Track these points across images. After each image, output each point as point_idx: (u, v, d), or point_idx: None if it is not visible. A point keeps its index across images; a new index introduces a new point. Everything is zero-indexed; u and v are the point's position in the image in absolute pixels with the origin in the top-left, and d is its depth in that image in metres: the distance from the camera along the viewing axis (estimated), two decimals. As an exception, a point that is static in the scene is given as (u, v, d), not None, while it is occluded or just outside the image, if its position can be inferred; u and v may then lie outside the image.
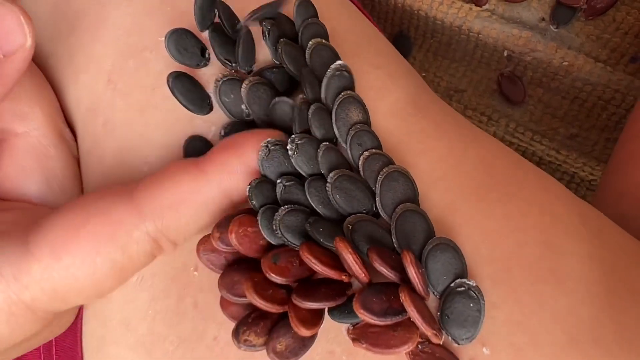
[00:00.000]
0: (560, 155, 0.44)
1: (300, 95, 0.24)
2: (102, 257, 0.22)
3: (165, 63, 0.26)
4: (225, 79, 0.25)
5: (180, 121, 0.26)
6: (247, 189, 0.23)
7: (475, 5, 0.42)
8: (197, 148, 0.25)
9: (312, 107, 0.24)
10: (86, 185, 0.28)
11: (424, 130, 0.26)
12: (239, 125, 0.25)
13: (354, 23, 0.29)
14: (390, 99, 0.26)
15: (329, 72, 0.24)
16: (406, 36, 0.45)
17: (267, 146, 0.23)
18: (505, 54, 0.43)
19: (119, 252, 0.22)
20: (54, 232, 0.22)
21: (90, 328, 0.26)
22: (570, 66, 0.41)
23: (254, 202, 0.23)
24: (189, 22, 0.26)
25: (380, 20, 0.46)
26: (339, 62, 0.24)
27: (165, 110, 0.26)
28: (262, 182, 0.23)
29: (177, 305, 0.24)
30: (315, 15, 0.26)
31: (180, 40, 0.25)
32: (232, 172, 0.23)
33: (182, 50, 0.25)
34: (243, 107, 0.25)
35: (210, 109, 0.26)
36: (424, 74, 0.46)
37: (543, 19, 0.41)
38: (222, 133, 0.25)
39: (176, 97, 0.25)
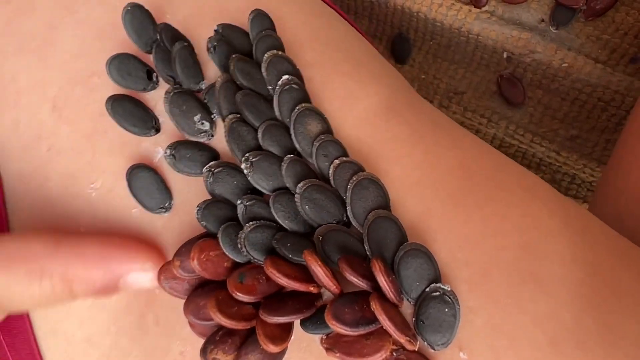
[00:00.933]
0: (560, 157, 0.44)
1: (230, 115, 0.24)
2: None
3: (114, 89, 0.26)
4: (176, 90, 0.25)
5: (127, 145, 0.26)
6: (196, 212, 0.23)
7: (475, 6, 0.42)
8: (142, 177, 0.25)
9: (263, 126, 0.24)
10: (24, 208, 0.27)
11: (398, 137, 0.26)
12: (185, 145, 0.25)
13: (322, 29, 0.29)
14: (360, 107, 0.26)
15: (277, 88, 0.24)
16: (406, 38, 0.45)
17: (210, 170, 0.23)
18: (504, 56, 0.42)
19: None
20: None
21: (52, 344, 0.26)
22: (570, 67, 0.41)
23: (204, 224, 0.23)
24: (136, 49, 0.26)
25: (380, 22, 0.46)
26: (285, 76, 0.24)
27: (113, 136, 0.26)
28: (211, 204, 0.23)
29: (139, 321, 0.24)
30: (271, 27, 0.26)
31: (123, 65, 0.25)
32: (85, 261, 0.23)
33: (126, 75, 0.25)
34: (195, 118, 0.25)
35: (157, 130, 0.25)
36: (423, 76, 0.46)
37: (542, 20, 0.40)
38: (167, 153, 0.24)
39: (116, 120, 0.25)
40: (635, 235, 0.29)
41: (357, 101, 0.26)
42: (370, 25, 0.47)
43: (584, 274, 0.24)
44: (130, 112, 0.25)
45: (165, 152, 0.24)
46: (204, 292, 0.23)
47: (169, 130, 0.26)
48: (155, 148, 0.25)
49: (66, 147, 0.26)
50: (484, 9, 0.41)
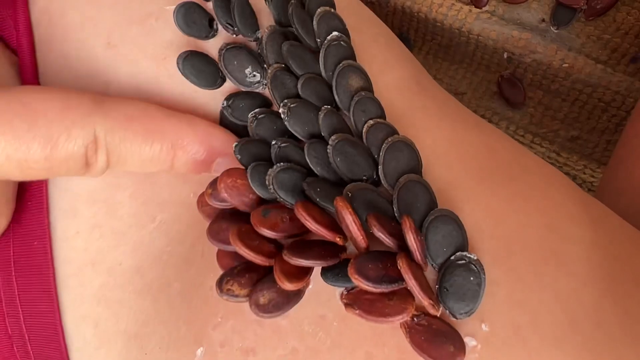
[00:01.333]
0: (560, 157, 0.44)
1: (275, 64, 0.24)
2: (36, 137, 0.22)
3: (173, 32, 0.26)
4: (228, 47, 0.25)
5: (197, 92, 0.26)
6: (234, 147, 0.23)
7: (475, 6, 0.42)
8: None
9: (304, 77, 0.24)
10: None
11: (428, 109, 0.26)
12: (240, 96, 0.25)
13: (355, 4, 0.30)
14: (394, 74, 0.26)
15: (325, 43, 0.24)
16: (406, 38, 0.45)
17: (255, 116, 0.24)
18: (505, 56, 0.42)
19: (52, 141, 0.22)
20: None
21: (85, 279, 0.26)
22: (571, 68, 0.41)
23: (239, 157, 0.23)
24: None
25: (380, 22, 0.46)
26: (335, 32, 0.24)
27: (176, 82, 0.26)
28: (249, 142, 0.23)
29: (188, 252, 0.25)
30: None
31: (189, 14, 0.25)
32: (195, 134, 0.24)
33: (191, 23, 0.25)
34: (247, 71, 0.25)
35: (223, 81, 0.26)
36: (423, 77, 0.46)
37: (543, 20, 0.41)
38: (224, 104, 0.25)
39: (188, 79, 0.25)
40: None
41: (392, 69, 0.27)
42: (370, 26, 0.47)
43: (602, 258, 0.24)
44: (200, 69, 0.25)
45: (223, 104, 0.25)
46: (229, 217, 0.23)
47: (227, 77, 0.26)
48: (222, 98, 0.26)
49: (130, 85, 0.26)
50: (484, 9, 0.42)
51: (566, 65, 0.41)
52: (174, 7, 0.26)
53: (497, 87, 0.44)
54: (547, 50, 0.41)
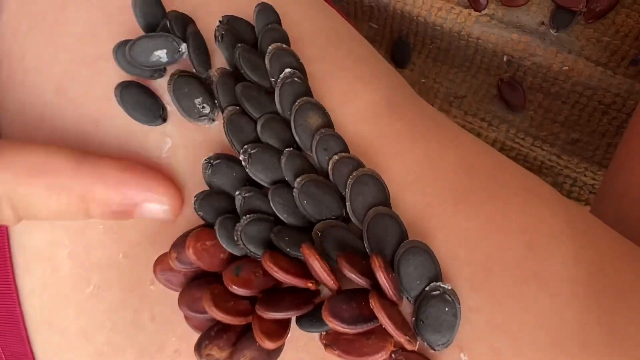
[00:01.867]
0: (561, 160, 0.44)
1: (229, 107, 0.24)
2: None
3: (121, 74, 0.25)
4: (181, 73, 0.25)
5: (134, 135, 0.25)
6: (193, 202, 0.23)
7: (474, 10, 0.41)
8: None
9: (262, 119, 0.23)
10: None
11: (399, 133, 0.26)
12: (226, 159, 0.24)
13: (324, 25, 0.29)
14: (361, 102, 0.26)
15: (279, 82, 0.24)
16: (405, 42, 0.45)
17: (208, 162, 0.23)
18: (504, 59, 0.42)
19: None
20: None
21: (45, 337, 0.25)
22: (570, 71, 0.40)
23: (202, 214, 0.23)
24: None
25: (380, 26, 0.46)
26: (287, 70, 0.24)
27: (120, 123, 0.25)
28: (209, 195, 0.23)
29: (134, 317, 0.24)
30: (277, 20, 0.26)
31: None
32: (105, 182, 0.23)
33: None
34: (197, 101, 0.24)
35: (164, 119, 0.25)
36: (423, 80, 0.46)
37: (542, 23, 0.40)
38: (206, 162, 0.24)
39: (124, 108, 0.24)
40: (638, 238, 0.28)
41: (357, 97, 0.26)
42: (370, 30, 0.47)
43: (587, 274, 0.24)
44: (138, 100, 0.24)
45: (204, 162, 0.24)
46: (199, 284, 0.22)
47: (177, 119, 0.25)
48: (163, 138, 0.25)
49: (71, 132, 0.26)
50: (483, 12, 0.41)
51: (566, 68, 0.40)
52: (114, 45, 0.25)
53: (497, 90, 0.44)
54: (546, 53, 0.41)
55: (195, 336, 0.22)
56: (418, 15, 0.43)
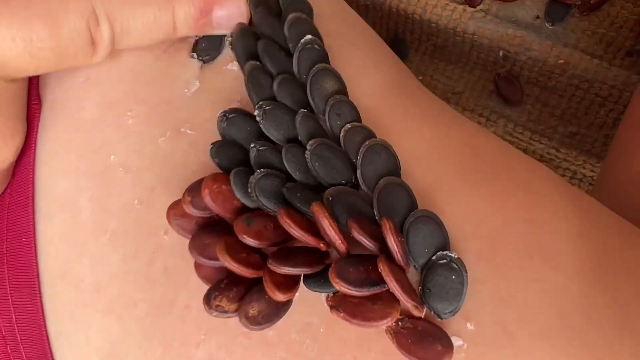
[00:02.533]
0: (560, 153, 0.44)
1: (251, 61, 0.24)
2: (35, 15, 0.22)
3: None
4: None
5: (167, 76, 0.26)
6: (209, 148, 0.23)
7: (469, 6, 0.42)
8: None
9: (279, 78, 0.24)
10: (55, 136, 0.27)
11: (408, 111, 0.26)
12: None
13: (342, 9, 0.29)
14: (373, 78, 0.26)
15: (299, 46, 0.24)
16: (402, 40, 0.46)
17: (224, 115, 0.23)
18: (500, 54, 0.42)
19: (51, 16, 0.22)
20: None
21: (57, 291, 0.25)
22: (566, 64, 0.41)
23: (217, 160, 0.23)
24: None
25: (375, 25, 0.46)
26: (308, 36, 0.24)
27: (154, 67, 0.26)
28: (225, 144, 0.23)
29: (147, 269, 0.24)
30: None
31: None
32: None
33: None
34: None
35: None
36: (420, 77, 0.46)
37: (538, 17, 0.41)
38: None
39: None
40: (638, 226, 0.28)
41: (370, 73, 0.26)
42: (366, 29, 0.47)
43: (591, 251, 0.24)
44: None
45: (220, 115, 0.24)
46: (212, 231, 0.22)
47: (208, 67, 0.26)
48: (194, 80, 0.25)
49: (105, 78, 0.26)
50: (478, 8, 0.42)
51: (562, 61, 0.41)
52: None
53: (494, 86, 0.44)
54: (542, 47, 0.41)
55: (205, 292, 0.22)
56: (413, 12, 0.43)
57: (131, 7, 0.24)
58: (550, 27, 0.40)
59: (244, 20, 0.25)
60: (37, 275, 0.25)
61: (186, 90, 0.25)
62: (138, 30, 0.24)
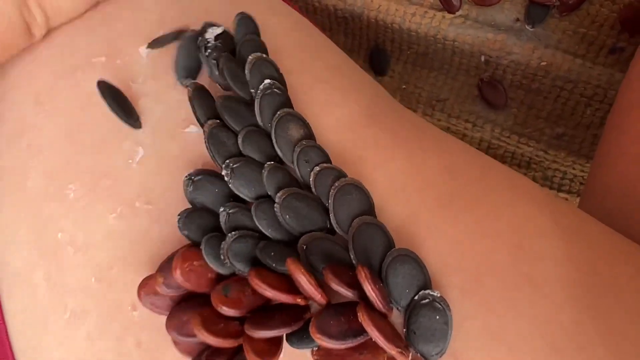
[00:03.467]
0: (549, 155, 0.43)
1: (209, 121, 0.23)
2: None
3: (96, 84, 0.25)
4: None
5: (108, 143, 0.25)
6: (177, 220, 0.22)
7: (448, 12, 0.41)
8: None
9: (243, 132, 0.23)
10: (3, 206, 0.26)
11: (380, 142, 0.25)
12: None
13: (302, 38, 0.29)
14: (340, 113, 0.26)
15: (259, 93, 0.23)
16: (382, 50, 0.45)
17: (189, 179, 0.23)
18: (482, 59, 0.42)
19: None
20: None
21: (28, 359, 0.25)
22: (549, 65, 0.40)
23: (187, 233, 0.22)
24: (127, 41, 0.26)
25: (355, 36, 0.46)
26: (267, 80, 0.24)
27: (94, 133, 0.25)
28: (193, 212, 0.22)
29: (117, 345, 0.23)
30: (255, 31, 0.25)
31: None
32: None
33: None
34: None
35: (139, 125, 0.25)
36: (404, 86, 0.46)
37: (517, 20, 0.40)
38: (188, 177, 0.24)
39: (106, 102, 0.24)
40: (628, 233, 0.28)
41: (337, 107, 0.26)
42: (347, 41, 0.46)
43: (580, 273, 0.23)
44: (119, 101, 0.25)
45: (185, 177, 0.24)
46: (187, 306, 0.22)
47: (151, 129, 0.25)
48: (136, 147, 0.25)
49: (46, 144, 0.26)
50: (457, 13, 0.41)
51: (544, 63, 0.40)
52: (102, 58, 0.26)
53: (478, 91, 0.43)
54: (524, 50, 0.40)
55: None
56: (392, 22, 0.43)
57: None
58: (531, 29, 0.40)
59: None
60: (10, 346, 0.25)
61: (130, 161, 0.25)
62: (68, 4, 0.26)
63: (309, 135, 0.24)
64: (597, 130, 0.41)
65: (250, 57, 0.24)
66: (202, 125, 0.24)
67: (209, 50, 0.25)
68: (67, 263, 0.24)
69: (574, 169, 0.43)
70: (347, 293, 0.20)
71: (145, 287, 0.22)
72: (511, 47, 0.41)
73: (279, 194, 0.22)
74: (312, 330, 0.19)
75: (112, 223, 0.24)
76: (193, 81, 0.25)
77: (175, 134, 0.25)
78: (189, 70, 0.25)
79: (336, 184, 0.22)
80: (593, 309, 0.22)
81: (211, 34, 0.25)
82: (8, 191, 0.26)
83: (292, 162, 0.23)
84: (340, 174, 0.23)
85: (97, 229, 0.24)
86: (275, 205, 0.22)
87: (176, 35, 0.26)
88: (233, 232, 0.22)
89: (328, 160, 0.23)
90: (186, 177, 0.23)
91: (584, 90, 0.40)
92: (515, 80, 0.42)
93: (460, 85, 0.44)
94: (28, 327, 0.25)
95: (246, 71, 0.24)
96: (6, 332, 0.25)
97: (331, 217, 0.22)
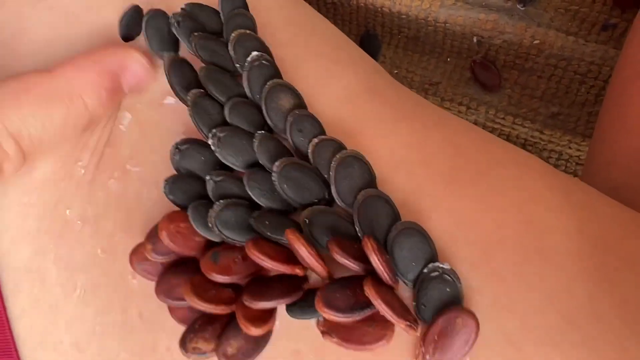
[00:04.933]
0: (544, 135, 0.43)
1: (193, 90, 0.23)
2: None
3: None
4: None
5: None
6: (163, 186, 0.22)
7: (438, -6, 0.41)
8: None
9: (230, 102, 0.23)
10: None
11: (381, 115, 0.25)
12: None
13: (297, 14, 0.28)
14: (338, 85, 0.25)
15: (247, 65, 0.23)
16: (373, 35, 0.45)
17: (177, 148, 0.22)
18: (474, 40, 0.41)
19: None
20: None
21: (38, 357, 0.24)
22: (542, 44, 0.40)
23: (172, 198, 0.22)
24: (112, 28, 0.25)
25: (345, 21, 0.45)
26: (254, 53, 0.23)
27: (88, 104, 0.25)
28: (179, 179, 0.22)
29: (122, 318, 0.23)
30: (243, 5, 0.25)
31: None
32: (82, 69, 0.23)
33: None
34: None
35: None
36: (396, 71, 0.45)
37: (508, -1, 0.40)
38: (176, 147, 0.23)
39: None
40: (634, 205, 0.28)
41: (334, 80, 0.25)
42: (336, 26, 0.46)
43: (592, 246, 0.23)
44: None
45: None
46: (177, 271, 0.21)
47: (134, 96, 0.25)
48: (124, 113, 0.25)
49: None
50: (448, -5, 0.41)
51: (537, 41, 0.40)
52: None
53: (471, 73, 0.43)
54: (516, 29, 0.40)
55: None
56: (382, 6, 0.42)
57: (36, 117, 0.22)
58: (522, 8, 0.39)
59: (150, 75, 0.25)
60: (16, 350, 0.25)
61: (121, 126, 0.25)
62: (50, 134, 0.23)
63: (301, 105, 0.23)
64: (592, 107, 0.41)
65: (233, 33, 0.24)
66: (178, 96, 0.24)
67: (179, 27, 0.24)
68: (75, 239, 0.24)
69: (570, 148, 0.43)
70: (352, 266, 0.19)
71: (136, 253, 0.22)
72: (503, 27, 0.40)
73: (277, 163, 0.21)
74: (319, 305, 0.19)
75: (112, 189, 0.24)
76: (168, 53, 0.24)
77: (155, 104, 0.25)
78: (160, 42, 0.25)
79: (337, 156, 0.22)
80: (606, 282, 0.22)
81: (182, 11, 0.25)
82: (11, 188, 0.25)
83: (284, 132, 0.23)
84: (340, 146, 0.22)
85: (100, 197, 0.24)
86: (273, 174, 0.21)
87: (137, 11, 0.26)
88: (221, 200, 0.21)
89: (322, 131, 0.23)
90: (173, 146, 0.23)
91: (578, 67, 0.40)
92: (509, 61, 0.41)
93: (453, 68, 0.44)
94: (37, 318, 0.24)
95: (229, 47, 0.24)
96: (12, 337, 0.25)
97: (332, 190, 0.22)
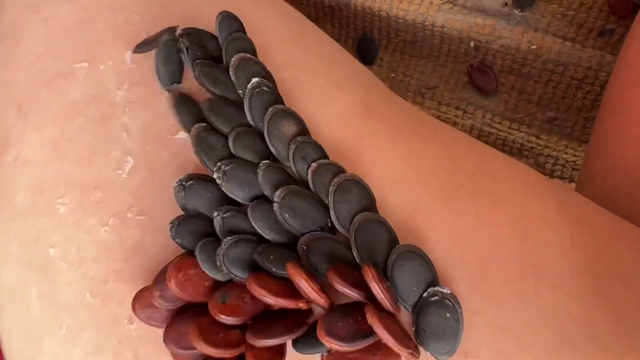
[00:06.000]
0: (541, 140, 0.43)
1: (196, 125, 0.23)
2: None
3: (80, 92, 0.24)
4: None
5: (96, 155, 0.24)
6: (169, 229, 0.22)
7: (436, -2, 0.41)
8: None
9: (233, 133, 0.22)
10: None
11: (378, 133, 0.25)
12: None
13: (292, 31, 0.28)
14: (336, 106, 0.25)
15: (247, 92, 0.23)
16: (370, 39, 0.44)
17: (181, 184, 0.22)
18: (472, 45, 0.41)
19: None
20: None
21: None
22: (539, 49, 0.40)
23: (179, 241, 0.21)
24: (108, 44, 0.25)
25: (342, 25, 0.45)
26: (254, 79, 0.23)
27: (81, 144, 0.24)
28: (185, 219, 0.22)
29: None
30: (240, 29, 0.24)
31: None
32: None
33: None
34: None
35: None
36: (393, 75, 0.45)
37: (506, 4, 0.40)
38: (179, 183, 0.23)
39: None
40: (630, 214, 0.28)
41: (331, 100, 0.25)
42: (334, 30, 0.46)
43: (586, 261, 0.23)
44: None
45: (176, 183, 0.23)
46: (185, 317, 0.21)
47: (139, 136, 0.24)
48: (125, 157, 0.24)
49: (32, 157, 0.24)
50: (445, -1, 0.41)
51: (534, 46, 0.40)
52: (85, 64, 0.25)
53: (468, 77, 0.43)
54: (513, 34, 0.40)
55: None
56: (379, 9, 0.42)
57: None
58: (520, 13, 0.39)
59: None
60: None
61: (120, 171, 0.24)
62: None
63: (304, 130, 0.23)
64: (588, 113, 0.41)
65: (233, 58, 0.23)
66: (189, 131, 0.23)
67: (189, 53, 0.24)
68: (60, 279, 0.23)
69: (566, 153, 0.43)
70: (353, 294, 0.19)
71: (140, 300, 0.21)
72: (501, 32, 0.40)
73: (277, 193, 0.21)
74: (321, 334, 0.19)
75: (104, 236, 0.23)
76: (175, 87, 0.24)
77: (165, 140, 0.24)
78: (171, 75, 0.24)
79: (335, 180, 0.21)
80: (601, 297, 0.22)
81: (188, 36, 0.24)
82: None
83: (288, 160, 0.22)
84: (339, 170, 0.22)
85: (89, 242, 0.23)
86: (274, 204, 0.21)
87: (161, 37, 0.25)
88: (229, 237, 0.21)
89: (325, 156, 0.22)
90: (177, 183, 0.22)
91: (575, 72, 0.40)
92: (506, 65, 0.41)
93: (450, 72, 0.44)
94: (24, 344, 0.24)
95: (231, 73, 0.23)
96: (1, 355, 0.24)
97: (332, 215, 0.21)
